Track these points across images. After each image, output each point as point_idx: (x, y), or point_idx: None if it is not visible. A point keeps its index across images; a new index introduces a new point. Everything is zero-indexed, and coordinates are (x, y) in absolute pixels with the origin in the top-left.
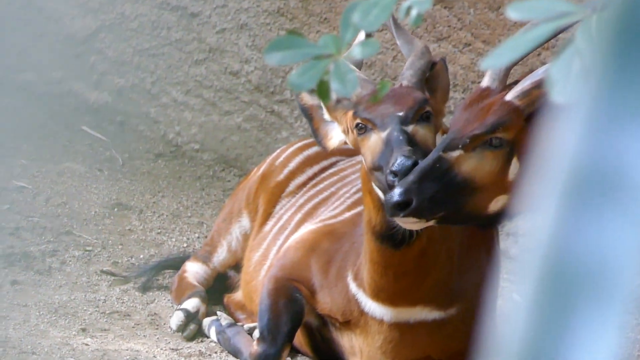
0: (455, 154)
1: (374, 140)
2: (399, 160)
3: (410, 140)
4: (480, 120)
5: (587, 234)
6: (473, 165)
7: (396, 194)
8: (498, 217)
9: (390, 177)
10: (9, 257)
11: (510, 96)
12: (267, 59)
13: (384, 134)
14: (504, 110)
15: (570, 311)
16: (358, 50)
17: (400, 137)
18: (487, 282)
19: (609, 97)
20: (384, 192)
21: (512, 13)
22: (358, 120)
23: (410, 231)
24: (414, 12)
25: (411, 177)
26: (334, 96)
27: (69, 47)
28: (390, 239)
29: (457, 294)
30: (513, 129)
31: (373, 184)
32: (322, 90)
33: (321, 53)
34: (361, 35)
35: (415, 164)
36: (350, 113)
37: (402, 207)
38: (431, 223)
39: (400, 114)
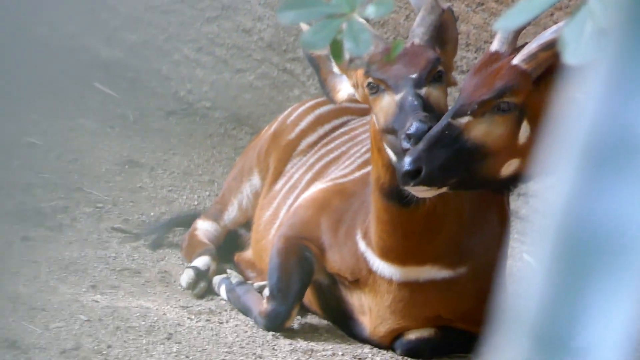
0: (465, 120)
1: (387, 102)
2: (414, 125)
3: (425, 104)
4: (488, 85)
5: (604, 200)
6: (483, 131)
7: (406, 162)
8: (511, 181)
9: (405, 142)
10: (20, 213)
11: (517, 60)
12: (280, 18)
13: (397, 97)
14: (512, 74)
15: (586, 277)
16: (372, 9)
17: (415, 102)
18: (497, 242)
19: (626, 60)
20: (397, 155)
21: None
22: (370, 80)
23: None
24: None
25: (421, 145)
26: (347, 55)
27: (82, 2)
28: (398, 197)
29: (467, 253)
30: (521, 93)
31: (384, 144)
32: (335, 50)
33: (334, 12)
34: None
35: (430, 128)
36: (361, 71)
37: (412, 175)
38: (444, 190)
39: (414, 76)
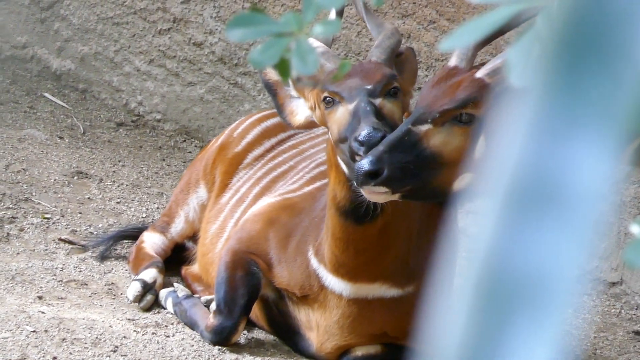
0: (425, 127)
1: (341, 113)
2: (365, 130)
3: (378, 113)
4: (450, 96)
5: (525, 245)
6: (441, 140)
7: (367, 162)
8: (461, 196)
9: (355, 145)
10: None
11: (481, 73)
12: (228, 36)
13: (351, 106)
14: (475, 86)
15: (506, 319)
16: (319, 29)
17: (368, 108)
18: (443, 260)
19: (555, 100)
20: (348, 166)
21: None
22: (325, 94)
23: (375, 205)
24: None
25: (381, 147)
26: (294, 74)
27: (33, 12)
28: (353, 214)
29: (415, 272)
30: (483, 106)
31: (338, 158)
32: (282, 68)
33: (283, 31)
34: (332, 14)
35: (382, 137)
36: (318, 88)
37: (372, 176)
38: (396, 197)
39: (369, 87)
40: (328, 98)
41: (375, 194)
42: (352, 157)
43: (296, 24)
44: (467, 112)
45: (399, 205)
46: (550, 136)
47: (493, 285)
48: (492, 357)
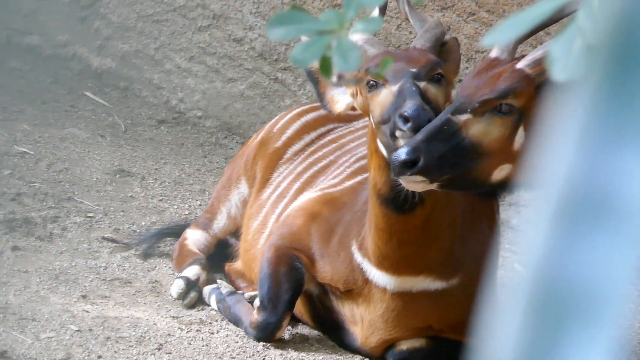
0: (464, 117)
1: (385, 94)
2: (411, 105)
3: (422, 95)
4: (490, 86)
5: (578, 256)
6: (481, 130)
7: (404, 152)
8: (500, 187)
9: (400, 121)
10: (10, 223)
11: (522, 64)
12: (269, 35)
13: (395, 87)
14: (516, 77)
15: (559, 334)
16: (360, 26)
17: (413, 89)
18: (488, 253)
19: (606, 104)
20: (388, 148)
21: None
22: (369, 77)
23: (414, 195)
24: None
25: (419, 136)
26: (336, 71)
27: (74, 11)
28: (394, 203)
29: (459, 264)
30: (523, 97)
31: (379, 142)
32: (324, 66)
33: (324, 29)
34: (375, 11)
35: (429, 120)
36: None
37: (409, 165)
38: (434, 186)
39: (413, 70)
40: (372, 82)
41: (412, 183)
42: (393, 134)
43: (337, 21)
44: (507, 103)
45: (441, 197)
46: (602, 146)
47: (547, 294)
48: None
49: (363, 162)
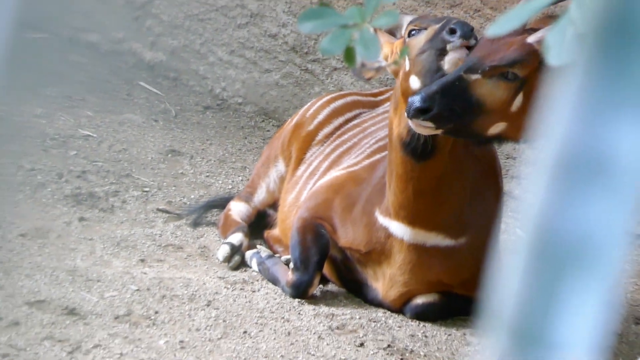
0: (475, 77)
1: (427, 31)
2: (458, 22)
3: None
4: (502, 54)
5: (575, 211)
6: (487, 91)
7: (419, 99)
8: (493, 140)
9: (446, 35)
10: (76, 197)
11: (532, 39)
12: (300, 28)
13: (439, 25)
14: (524, 50)
15: (558, 278)
16: (381, 20)
17: (457, 22)
18: (493, 218)
19: (598, 79)
20: (424, 77)
21: None
22: (412, 27)
23: (426, 142)
24: None
25: (434, 87)
26: (359, 60)
27: (128, 11)
28: (413, 149)
29: (467, 226)
30: (528, 68)
31: (411, 79)
32: (348, 56)
33: (348, 22)
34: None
35: (473, 31)
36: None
37: (423, 111)
38: (439, 132)
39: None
40: (414, 31)
41: (421, 127)
42: (443, 53)
43: (359, 16)
44: (513, 71)
45: (454, 162)
46: (596, 112)
47: (546, 246)
48: (546, 310)
49: (382, 143)
